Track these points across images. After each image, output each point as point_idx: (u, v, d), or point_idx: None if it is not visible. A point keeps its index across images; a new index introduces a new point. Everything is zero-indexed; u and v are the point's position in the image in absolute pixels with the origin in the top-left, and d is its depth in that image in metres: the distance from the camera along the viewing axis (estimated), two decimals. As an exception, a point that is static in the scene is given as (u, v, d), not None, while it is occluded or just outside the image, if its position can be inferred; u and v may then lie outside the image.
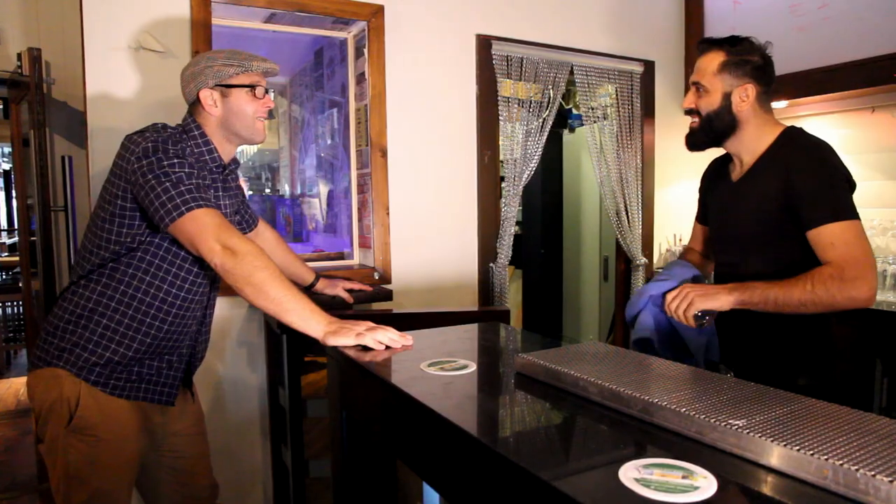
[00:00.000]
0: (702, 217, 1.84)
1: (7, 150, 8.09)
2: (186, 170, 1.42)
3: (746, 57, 1.52)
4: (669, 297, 1.51)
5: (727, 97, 1.53)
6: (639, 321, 1.63)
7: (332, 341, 1.33)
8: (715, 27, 3.20)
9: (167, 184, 1.39)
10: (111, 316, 1.48)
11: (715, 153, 1.72)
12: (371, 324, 1.37)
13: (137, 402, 1.55)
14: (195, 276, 1.57)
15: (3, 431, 3.83)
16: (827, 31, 2.72)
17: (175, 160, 1.42)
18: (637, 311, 1.64)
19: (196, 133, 1.56)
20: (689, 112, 1.61)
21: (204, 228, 1.38)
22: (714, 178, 1.75)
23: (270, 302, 1.37)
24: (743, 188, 1.58)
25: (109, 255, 1.49)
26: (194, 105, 1.59)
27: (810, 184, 1.42)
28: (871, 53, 2.55)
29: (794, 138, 1.52)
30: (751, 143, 1.56)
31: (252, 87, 1.55)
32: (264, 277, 1.37)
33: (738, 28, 3.06)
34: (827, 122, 3.05)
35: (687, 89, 1.64)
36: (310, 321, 1.36)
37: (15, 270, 5.99)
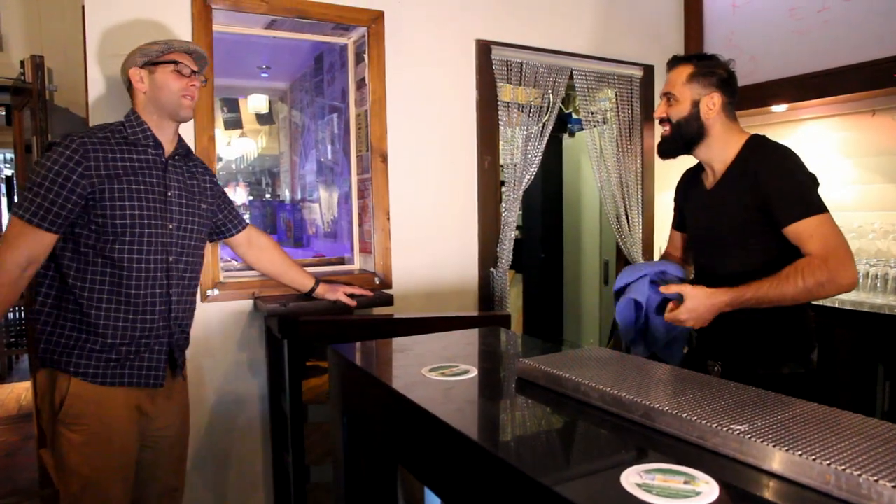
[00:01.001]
0: (678, 224, 1.94)
1: (10, 156, 8.11)
2: (47, 184, 1.48)
3: (713, 69, 1.65)
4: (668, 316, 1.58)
5: (696, 104, 1.64)
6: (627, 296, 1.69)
7: None
8: (714, 31, 3.20)
9: (28, 184, 1.50)
10: (72, 315, 1.55)
11: (688, 162, 1.82)
12: None
13: (123, 388, 1.58)
14: (139, 262, 1.58)
15: (4, 436, 3.83)
16: (826, 34, 2.72)
17: (45, 168, 1.49)
18: (626, 284, 1.72)
19: (133, 118, 1.65)
20: (661, 121, 1.71)
21: (5, 238, 1.51)
22: (689, 187, 1.85)
23: None
24: (717, 195, 1.67)
25: (57, 248, 1.55)
26: (130, 92, 1.68)
27: (780, 185, 1.52)
28: (871, 56, 2.56)
29: (759, 145, 1.63)
30: (719, 151, 1.66)
31: (176, 62, 1.64)
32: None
33: (738, 32, 3.07)
34: (827, 125, 3.05)
35: None
36: None
37: (16, 276, 5.98)
